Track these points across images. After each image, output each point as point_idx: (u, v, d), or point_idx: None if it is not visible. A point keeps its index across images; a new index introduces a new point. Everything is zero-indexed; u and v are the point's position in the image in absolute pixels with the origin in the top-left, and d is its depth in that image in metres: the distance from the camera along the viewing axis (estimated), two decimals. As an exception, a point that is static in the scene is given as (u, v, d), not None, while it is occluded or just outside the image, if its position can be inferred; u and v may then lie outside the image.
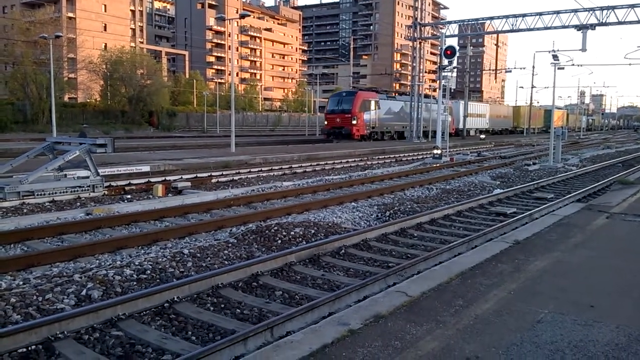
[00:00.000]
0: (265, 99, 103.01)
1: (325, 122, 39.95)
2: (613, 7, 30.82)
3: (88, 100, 59.98)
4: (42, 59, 47.65)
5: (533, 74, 65.37)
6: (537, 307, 4.52)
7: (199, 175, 16.23)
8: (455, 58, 25.04)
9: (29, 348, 4.17)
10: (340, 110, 38.45)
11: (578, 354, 3.64)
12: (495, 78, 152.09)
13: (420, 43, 42.88)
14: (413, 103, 42.27)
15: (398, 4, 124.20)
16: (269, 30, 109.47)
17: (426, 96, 48.48)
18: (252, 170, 18.21)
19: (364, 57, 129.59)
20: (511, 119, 69.00)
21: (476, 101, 75.58)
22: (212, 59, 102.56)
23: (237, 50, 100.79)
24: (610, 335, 3.96)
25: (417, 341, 3.78)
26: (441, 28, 42.88)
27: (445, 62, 25.20)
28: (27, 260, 6.69)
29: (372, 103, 39.37)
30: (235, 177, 16.23)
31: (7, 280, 5.85)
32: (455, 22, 39.91)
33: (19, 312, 4.91)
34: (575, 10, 31.77)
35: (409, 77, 51.21)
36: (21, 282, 5.75)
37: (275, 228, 8.18)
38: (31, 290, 5.36)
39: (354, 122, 37.20)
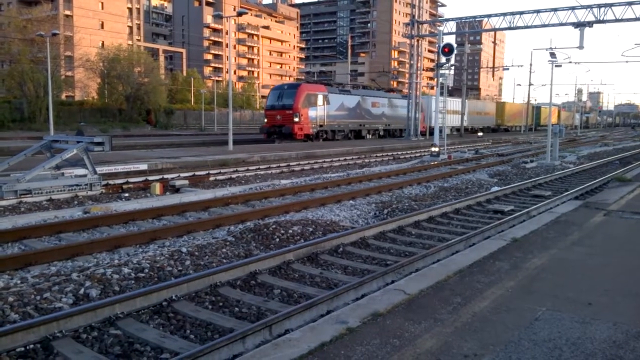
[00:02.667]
0: (262, 96, 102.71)
1: (265, 120, 34.86)
2: (610, 5, 30.83)
3: (85, 99, 59.83)
4: (39, 57, 47.45)
5: (530, 72, 65.50)
6: (535, 305, 4.53)
7: (196, 173, 16.22)
8: (453, 56, 25.01)
9: (27, 347, 4.17)
10: (281, 105, 33.29)
11: (576, 351, 3.65)
12: (493, 76, 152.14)
13: (417, 41, 42.82)
14: (410, 100, 42.03)
15: (396, 1, 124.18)
16: (267, 27, 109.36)
17: (390, 90, 45.77)
18: (250, 168, 18.21)
19: (361, 55, 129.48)
20: (494, 116, 64.53)
21: (456, 97, 71.88)
22: (209, 56, 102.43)
23: (235, 48, 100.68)
24: (608, 333, 3.97)
25: (415, 339, 3.79)
26: (439, 26, 42.73)
27: (443, 59, 25.17)
28: (25, 259, 6.68)
29: (319, 97, 34.12)
30: (233, 175, 16.22)
31: (4, 279, 5.84)
32: (452, 19, 39.92)
33: (16, 311, 4.90)
34: (573, 8, 31.79)
35: (407, 75, 50.27)
36: (19, 281, 5.74)
37: (274, 226, 8.18)
38: (29, 289, 5.36)
39: (296, 119, 32.27)
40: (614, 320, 4.22)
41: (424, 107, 45.07)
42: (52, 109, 35.44)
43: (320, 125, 34.32)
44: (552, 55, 25.57)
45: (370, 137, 40.08)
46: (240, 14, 29.17)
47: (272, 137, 32.81)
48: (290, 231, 8.10)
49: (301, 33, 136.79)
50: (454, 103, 51.91)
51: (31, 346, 4.19)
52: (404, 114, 42.63)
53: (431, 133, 47.97)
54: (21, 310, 4.92)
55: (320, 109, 34.09)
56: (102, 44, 66.22)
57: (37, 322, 4.38)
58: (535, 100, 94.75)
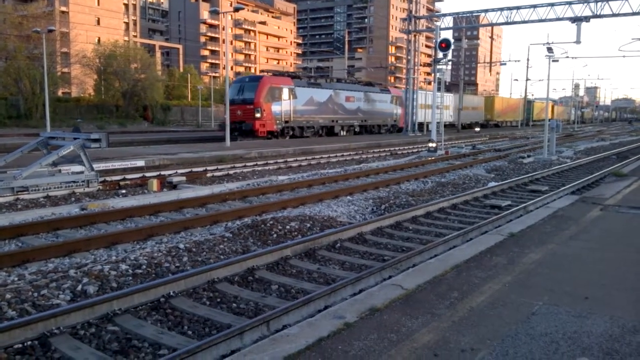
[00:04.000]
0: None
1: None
2: (607, -1, 30.88)
3: (82, 95, 59.67)
4: (35, 54, 47.29)
5: (528, 67, 65.72)
6: (532, 299, 4.55)
7: (194, 169, 16.21)
8: (450, 51, 25.01)
9: (25, 344, 4.17)
10: (241, 100, 30.80)
11: (572, 345, 3.66)
12: (490, 71, 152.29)
13: (415, 36, 42.83)
14: (408, 95, 42.09)
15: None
16: (264, 23, 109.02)
17: (369, 84, 43.34)
18: (247, 164, 18.20)
19: (358, 50, 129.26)
20: (483, 111, 61.05)
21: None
22: (206, 52, 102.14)
23: (232, 44, 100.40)
24: (604, 327, 3.99)
25: (413, 334, 3.80)
26: (436, 21, 42.63)
27: (440, 54, 25.18)
28: (22, 256, 6.68)
29: (285, 91, 31.54)
30: (231, 172, 16.21)
31: (2, 276, 5.84)
32: (450, 14, 39.92)
33: (14, 308, 4.90)
34: (570, 3, 31.82)
35: (404, 70, 49.74)
36: (16, 278, 5.73)
37: (271, 222, 8.18)
38: (26, 286, 5.35)
39: (258, 115, 29.89)
40: (611, 314, 4.24)
41: (404, 102, 43.68)
42: (48, 105, 35.34)
43: (286, 122, 31.94)
44: (549, 50, 25.58)
45: (345, 133, 37.76)
46: (236, 10, 29.07)
47: (235, 134, 29.89)
48: (288, 227, 8.11)
49: (298, 29, 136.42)
50: (443, 97, 49.44)
51: (29, 343, 4.19)
52: (383, 109, 41.24)
53: (412, 129, 45.22)
54: (19, 307, 4.91)
55: (285, 103, 31.59)
56: (99, 40, 66.01)
57: (34, 318, 4.37)
58: (533, 95, 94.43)
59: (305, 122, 33.67)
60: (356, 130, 39.10)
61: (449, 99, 51.56)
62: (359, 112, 39.01)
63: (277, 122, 31.12)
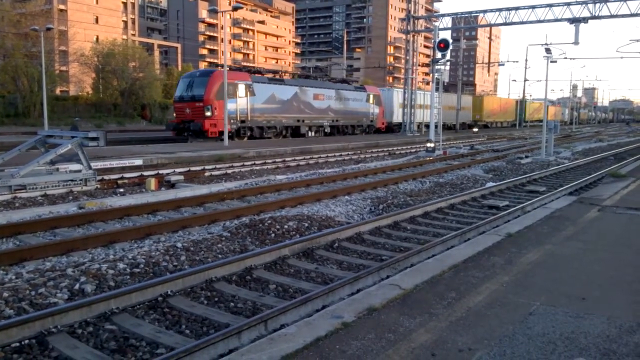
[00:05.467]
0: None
1: (174, 114, 29.82)
2: (606, 0, 30.93)
3: (80, 93, 59.50)
4: (33, 52, 47.19)
5: (526, 67, 65.64)
6: (529, 300, 4.55)
7: (192, 168, 16.20)
8: (449, 51, 25.02)
9: (22, 342, 4.17)
10: (190, 97, 27.87)
11: (570, 345, 3.67)
12: (489, 71, 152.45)
13: (413, 36, 42.84)
14: (407, 95, 42.04)
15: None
16: (262, 22, 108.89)
17: (343, 81, 41.02)
18: (245, 163, 18.19)
19: (357, 50, 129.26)
20: (470, 112, 57.41)
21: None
22: (204, 51, 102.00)
23: (230, 43, 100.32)
24: (602, 327, 4.00)
25: (410, 333, 3.80)
26: (434, 21, 42.65)
27: (439, 55, 25.19)
28: (20, 255, 6.67)
29: (241, 87, 28.61)
30: (229, 171, 16.20)
31: (-1, 275, 5.83)
32: (448, 15, 39.95)
33: (11, 306, 4.89)
34: (568, 4, 31.87)
35: (403, 70, 49.52)
36: (14, 277, 5.73)
37: (269, 222, 8.18)
38: (24, 285, 5.35)
39: (208, 113, 26.96)
40: (608, 314, 4.25)
41: (382, 100, 41.51)
42: (46, 103, 35.27)
43: (242, 121, 28.84)
44: (548, 51, 25.63)
45: (313, 134, 34.79)
46: (235, 9, 29.05)
47: (186, 135, 27.65)
48: (286, 226, 8.11)
49: (297, 28, 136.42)
50: (421, 96, 46.01)
51: (26, 341, 4.18)
52: (358, 108, 38.86)
53: (391, 130, 42.87)
54: (16, 306, 4.91)
55: (241, 100, 28.60)
56: (97, 38, 65.85)
57: (32, 317, 4.37)
58: (531, 95, 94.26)
59: (266, 121, 30.64)
60: (326, 130, 36.16)
61: (427, 97, 46.35)
62: (329, 112, 36.15)
63: (232, 121, 27.96)
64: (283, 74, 36.44)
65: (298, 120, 33.21)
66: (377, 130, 41.22)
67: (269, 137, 30.66)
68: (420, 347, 3.58)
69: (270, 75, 32.23)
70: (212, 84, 27.39)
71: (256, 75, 31.07)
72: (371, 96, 40.37)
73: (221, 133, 26.74)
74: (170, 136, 29.03)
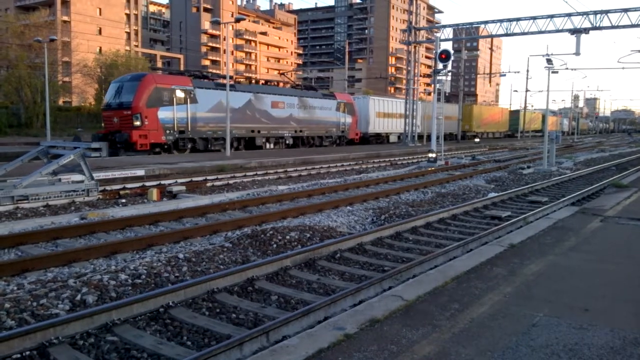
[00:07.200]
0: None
1: (103, 124, 26.71)
2: (607, 12, 31.04)
3: (83, 104, 59.79)
4: (37, 63, 47.49)
5: (527, 78, 65.76)
6: (532, 311, 4.53)
7: (194, 179, 16.22)
8: (450, 62, 25.13)
9: (24, 354, 4.15)
10: (117, 104, 24.58)
11: (573, 357, 3.65)
12: (490, 82, 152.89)
13: (415, 47, 43.02)
14: (408, 105, 42.09)
15: (393, 8, 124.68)
16: (264, 33, 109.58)
17: (309, 87, 37.84)
18: (247, 174, 18.21)
19: (359, 61, 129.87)
20: (457, 121, 52.87)
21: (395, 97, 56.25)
22: (207, 62, 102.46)
23: (232, 54, 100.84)
24: (605, 339, 3.97)
25: (413, 345, 3.78)
26: (436, 32, 42.84)
27: (440, 65, 25.29)
28: (22, 265, 6.66)
29: (178, 93, 25.52)
30: (231, 181, 16.22)
31: (1, 286, 5.82)
32: (449, 26, 40.11)
33: (13, 317, 4.88)
34: (569, 15, 31.98)
35: (404, 81, 49.26)
36: (15, 287, 5.72)
37: (271, 232, 8.17)
38: (25, 296, 5.34)
39: (137, 123, 23.63)
40: (611, 326, 4.22)
41: (355, 109, 38.71)
42: (49, 114, 35.47)
43: (181, 131, 25.75)
44: (549, 61, 25.69)
45: (272, 146, 31.65)
46: (237, 20, 29.24)
47: (117, 147, 23.66)
48: (288, 237, 8.10)
49: (299, 39, 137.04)
50: (401, 105, 43.21)
51: (27, 353, 4.17)
52: (326, 117, 35.75)
53: (367, 141, 39.89)
54: (17, 317, 4.90)
55: (180, 108, 25.51)
56: (100, 49, 66.28)
57: (33, 328, 4.36)
58: (532, 106, 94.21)
59: (212, 132, 27.36)
60: (288, 142, 33.02)
61: (415, 106, 44.32)
62: (291, 121, 32.84)
63: (168, 132, 24.96)
64: (237, 80, 32.98)
65: (252, 131, 29.84)
66: (349, 142, 38.37)
67: (217, 149, 27.53)
68: (423, 359, 3.56)
69: (219, 81, 29.21)
70: (143, 90, 24.13)
71: (201, 80, 28.07)
72: (342, 104, 37.33)
73: (153, 146, 24.37)
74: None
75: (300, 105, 33.50)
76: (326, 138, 36.47)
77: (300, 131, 33.71)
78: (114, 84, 26.47)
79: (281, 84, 36.53)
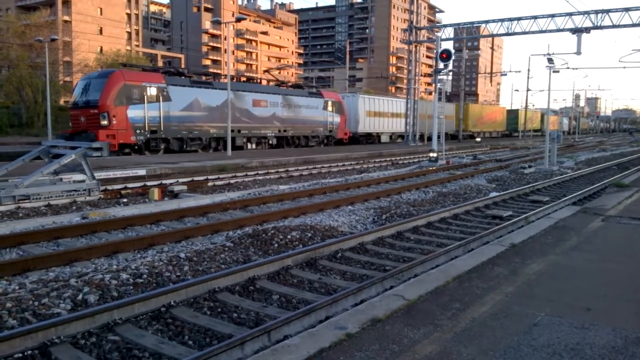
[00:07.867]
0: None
1: (70, 123, 25.82)
2: (608, 11, 31.00)
3: (83, 104, 59.75)
4: (38, 62, 47.53)
5: (528, 77, 65.93)
6: (534, 310, 4.53)
7: (195, 178, 16.23)
8: (451, 61, 25.13)
9: (25, 353, 4.15)
10: (84, 102, 23.67)
11: (575, 357, 3.64)
12: (491, 81, 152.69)
13: (416, 46, 43.00)
14: (409, 104, 42.08)
15: (394, 7, 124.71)
16: (265, 33, 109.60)
17: (297, 86, 36.97)
18: (248, 173, 18.22)
19: (360, 60, 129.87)
20: (453, 121, 51.98)
21: (390, 96, 56.13)
22: (208, 62, 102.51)
23: (233, 54, 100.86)
24: (607, 338, 3.97)
25: (415, 345, 3.78)
26: (437, 31, 42.77)
27: (441, 65, 25.28)
28: (23, 265, 6.67)
29: (150, 90, 24.40)
30: (232, 181, 16.23)
31: (2, 285, 5.82)
32: (450, 25, 40.08)
33: (14, 317, 4.89)
34: (570, 14, 31.95)
35: (405, 80, 49.27)
36: (17, 287, 5.72)
37: (272, 232, 8.17)
38: (27, 295, 5.34)
39: (104, 122, 22.74)
40: (613, 325, 4.22)
41: (344, 108, 37.49)
42: (50, 114, 35.47)
43: (153, 131, 24.55)
44: (550, 61, 25.67)
45: (254, 147, 30.51)
46: (238, 20, 29.25)
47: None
48: (289, 237, 8.10)
49: (299, 39, 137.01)
50: (393, 104, 42.79)
51: (29, 352, 4.17)
52: (312, 116, 34.68)
53: (357, 141, 38.87)
54: (19, 316, 4.90)
55: (151, 107, 24.36)
56: (101, 49, 66.32)
57: (35, 327, 4.36)
58: (533, 105, 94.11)
59: (187, 131, 26.24)
60: (271, 142, 31.92)
61: (400, 105, 43.61)
62: (274, 120, 31.69)
63: (138, 131, 23.93)
64: (214, 77, 31.35)
65: (232, 131, 27.67)
66: (338, 142, 37.30)
67: (194, 150, 26.78)
68: (425, 359, 3.56)
69: (196, 78, 28.10)
70: (111, 87, 23.06)
71: (175, 77, 26.94)
72: (329, 103, 36.10)
73: (122, 146, 23.35)
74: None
75: (284, 104, 32.38)
76: (312, 138, 35.35)
77: (285, 131, 32.59)
78: (81, 82, 25.46)
79: (264, 82, 35.17)
